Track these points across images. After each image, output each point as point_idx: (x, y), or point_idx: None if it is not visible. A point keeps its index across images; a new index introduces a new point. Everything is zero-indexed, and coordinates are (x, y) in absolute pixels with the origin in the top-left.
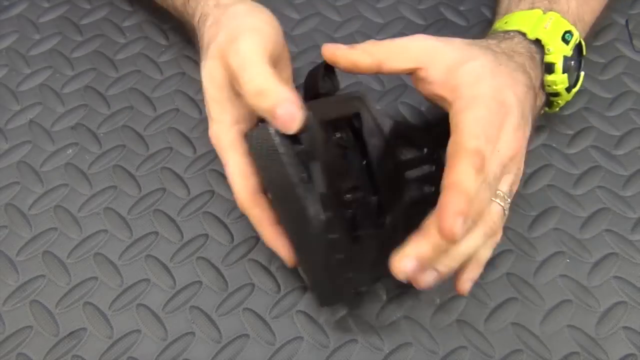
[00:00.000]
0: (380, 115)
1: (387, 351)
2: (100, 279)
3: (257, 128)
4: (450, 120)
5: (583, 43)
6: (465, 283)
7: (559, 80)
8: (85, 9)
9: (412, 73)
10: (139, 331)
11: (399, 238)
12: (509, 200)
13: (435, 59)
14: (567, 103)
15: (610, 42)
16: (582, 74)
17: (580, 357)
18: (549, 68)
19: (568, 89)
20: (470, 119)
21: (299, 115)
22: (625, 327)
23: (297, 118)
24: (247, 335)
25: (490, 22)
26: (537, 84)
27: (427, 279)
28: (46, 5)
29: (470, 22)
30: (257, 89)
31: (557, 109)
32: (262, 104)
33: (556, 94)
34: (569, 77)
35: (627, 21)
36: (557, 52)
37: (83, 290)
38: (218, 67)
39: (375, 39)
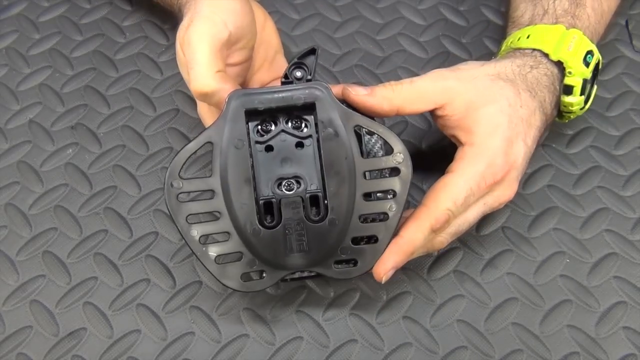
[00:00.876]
0: (338, 105)
1: (387, 351)
2: (100, 279)
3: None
4: (455, 156)
5: (601, 61)
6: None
7: (576, 102)
8: (85, 9)
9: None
10: (139, 331)
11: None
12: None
13: (454, 101)
14: None
15: (610, 42)
16: (595, 88)
17: (580, 357)
18: (567, 89)
19: (582, 107)
20: (462, 176)
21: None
22: (625, 327)
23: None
24: (247, 335)
25: (489, 22)
26: (551, 110)
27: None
28: (46, 4)
29: (470, 22)
30: (200, 90)
31: (567, 120)
32: (208, 102)
33: (569, 112)
34: (586, 100)
35: (627, 21)
36: (578, 75)
37: (83, 290)
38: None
39: (375, 39)
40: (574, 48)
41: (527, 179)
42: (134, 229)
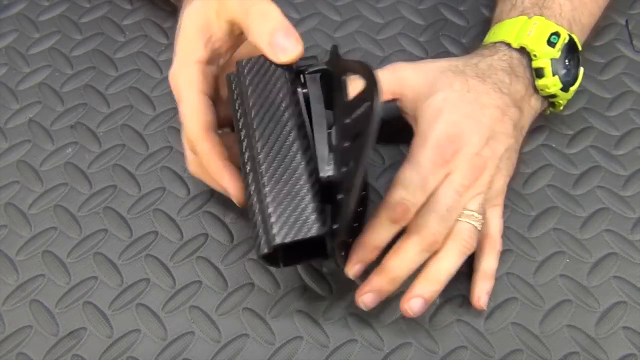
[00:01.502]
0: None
1: (387, 351)
2: (100, 279)
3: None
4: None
5: (576, 39)
6: (479, 298)
7: (550, 83)
8: (85, 8)
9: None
10: (138, 331)
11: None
12: (481, 217)
13: (405, 91)
14: (567, 103)
15: (610, 42)
16: (582, 70)
17: (579, 357)
18: (539, 73)
19: (564, 89)
20: (410, 164)
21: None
22: (624, 327)
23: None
24: (246, 335)
25: (489, 22)
26: (525, 93)
27: (414, 308)
28: (46, 3)
29: (470, 22)
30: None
31: (561, 107)
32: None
33: (553, 95)
34: (563, 77)
35: (627, 21)
36: (544, 57)
37: (83, 290)
38: (209, 7)
39: (375, 39)
40: (535, 32)
41: (527, 179)
42: (133, 229)
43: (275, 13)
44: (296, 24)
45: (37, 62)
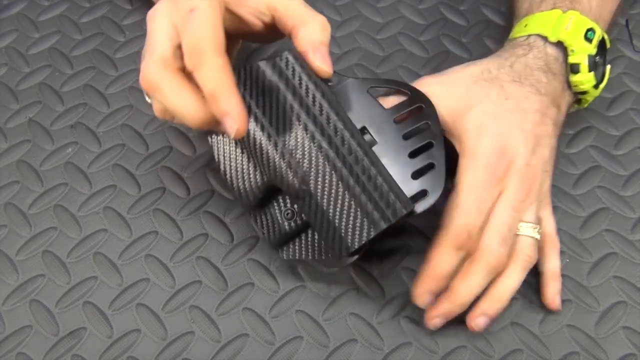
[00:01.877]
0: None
1: (387, 351)
2: (100, 279)
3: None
4: (457, 169)
5: (606, 37)
6: (554, 300)
7: (585, 79)
8: (85, 7)
9: None
10: (138, 331)
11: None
12: (538, 226)
13: (439, 108)
14: None
15: (610, 41)
16: (609, 67)
17: (579, 356)
18: (574, 68)
19: (595, 86)
20: (466, 188)
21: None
22: (624, 327)
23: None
24: (246, 335)
25: (490, 22)
26: (560, 90)
27: (480, 324)
28: (46, 3)
29: (470, 21)
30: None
31: (586, 105)
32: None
33: (584, 92)
34: (595, 75)
35: (627, 21)
36: (581, 52)
37: (83, 290)
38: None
39: (375, 39)
40: (572, 27)
41: None
42: (133, 229)
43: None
44: None
45: (37, 62)
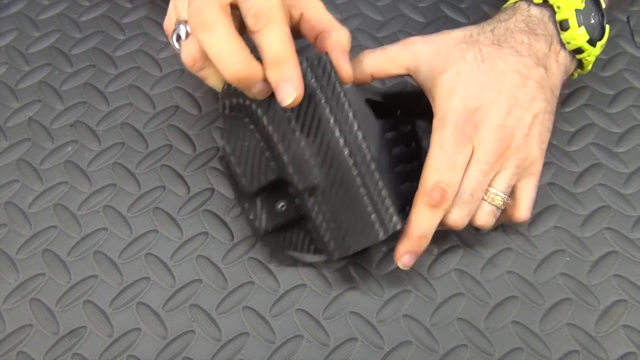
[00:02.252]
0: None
1: (387, 349)
2: (100, 277)
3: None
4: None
5: None
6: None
7: (576, 35)
8: (84, 6)
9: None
10: (139, 329)
11: None
12: (506, 196)
13: (419, 65)
14: (568, 100)
15: (611, 38)
16: (608, 27)
17: (579, 355)
18: (563, 25)
19: (592, 42)
20: (435, 146)
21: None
22: (625, 326)
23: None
24: (247, 334)
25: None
26: (549, 50)
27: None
28: (45, 2)
29: (470, 19)
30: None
31: (589, 67)
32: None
33: (580, 50)
34: (590, 30)
35: (628, 18)
36: (567, 8)
37: (83, 289)
38: None
39: (376, 36)
40: None
41: None
42: (133, 227)
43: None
44: None
45: (37, 61)
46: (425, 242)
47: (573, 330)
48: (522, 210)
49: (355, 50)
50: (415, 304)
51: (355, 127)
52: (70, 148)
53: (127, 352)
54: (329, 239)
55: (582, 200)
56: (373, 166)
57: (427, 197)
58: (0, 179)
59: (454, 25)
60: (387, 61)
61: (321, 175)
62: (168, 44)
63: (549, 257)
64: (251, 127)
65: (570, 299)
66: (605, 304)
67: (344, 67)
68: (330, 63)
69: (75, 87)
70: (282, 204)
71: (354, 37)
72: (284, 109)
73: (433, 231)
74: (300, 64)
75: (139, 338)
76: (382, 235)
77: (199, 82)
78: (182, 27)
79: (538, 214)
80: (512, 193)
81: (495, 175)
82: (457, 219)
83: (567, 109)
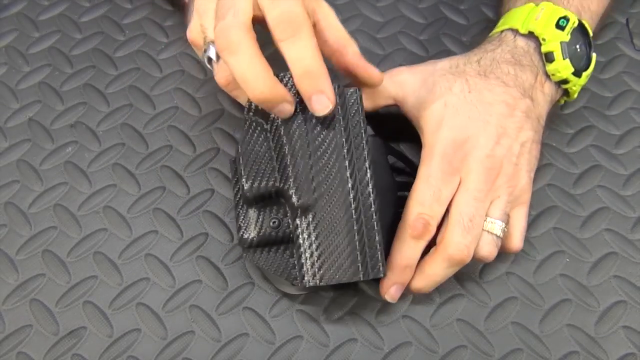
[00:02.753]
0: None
1: (387, 350)
2: (100, 278)
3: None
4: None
5: (586, 24)
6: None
7: (561, 67)
8: (85, 7)
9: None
10: (138, 330)
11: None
12: (503, 224)
13: (406, 95)
14: (567, 102)
15: (610, 40)
16: (594, 55)
17: (579, 356)
18: (548, 57)
19: (577, 74)
20: (421, 178)
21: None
22: (624, 327)
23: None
24: (247, 334)
25: (490, 21)
26: (535, 81)
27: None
28: (45, 3)
29: (470, 20)
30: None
31: (575, 95)
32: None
33: (565, 81)
34: (574, 62)
35: (627, 20)
36: (553, 40)
37: (83, 289)
38: None
39: (376, 38)
40: (542, 17)
41: None
42: (133, 228)
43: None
44: None
45: (37, 61)
46: (410, 272)
47: (573, 331)
48: (516, 240)
49: None
50: (415, 304)
51: (367, 165)
52: (70, 149)
53: (126, 353)
54: (307, 264)
55: (582, 202)
56: (374, 208)
57: (410, 229)
58: (0, 180)
59: (454, 26)
60: (374, 92)
61: (319, 197)
62: (168, 45)
63: (549, 258)
64: (268, 134)
65: (570, 300)
66: (605, 305)
67: (374, 71)
68: (361, 99)
69: (76, 87)
70: (274, 220)
71: (354, 38)
72: (303, 124)
73: (416, 262)
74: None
75: (139, 339)
76: (361, 276)
77: (199, 83)
78: (211, 48)
79: (538, 215)
80: (507, 223)
81: (490, 204)
82: (462, 246)
83: (567, 111)
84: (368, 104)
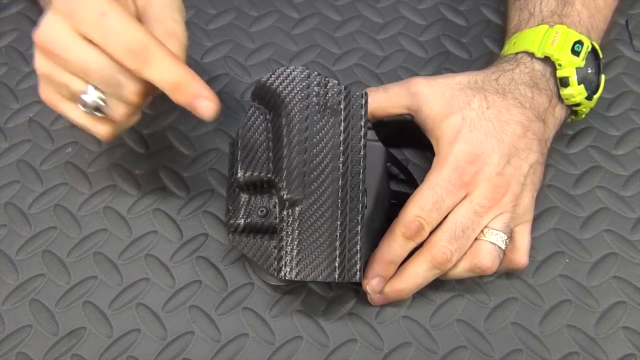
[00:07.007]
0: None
1: (387, 351)
2: (100, 278)
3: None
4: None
5: (597, 47)
6: None
7: (575, 92)
8: None
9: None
10: (138, 330)
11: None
12: (506, 236)
13: (423, 108)
14: None
15: (610, 42)
16: (603, 77)
17: (579, 356)
18: (563, 82)
19: (589, 97)
20: (428, 183)
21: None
22: (624, 327)
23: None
24: (246, 335)
25: (489, 22)
26: (549, 105)
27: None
28: None
29: (470, 22)
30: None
31: (583, 116)
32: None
33: (577, 104)
34: (587, 85)
35: (627, 21)
36: (569, 66)
37: (83, 290)
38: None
39: (375, 39)
40: (558, 41)
41: None
42: (133, 228)
43: None
44: (296, 23)
45: None
46: (394, 268)
47: (573, 331)
48: (522, 255)
49: (355, 52)
50: (414, 305)
51: (360, 169)
52: (70, 149)
53: (126, 353)
54: (286, 258)
55: (582, 202)
56: (360, 212)
57: (404, 228)
58: (0, 180)
59: (454, 27)
60: (388, 101)
61: (308, 194)
62: None
63: (549, 259)
64: (269, 124)
65: (570, 300)
66: (604, 306)
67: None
68: (367, 103)
69: None
70: (263, 209)
71: (353, 39)
72: (304, 120)
73: (401, 260)
74: (340, 89)
75: (139, 339)
76: (336, 277)
77: None
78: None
79: (537, 216)
80: (510, 238)
81: (492, 219)
82: (447, 251)
83: None
84: (380, 112)
